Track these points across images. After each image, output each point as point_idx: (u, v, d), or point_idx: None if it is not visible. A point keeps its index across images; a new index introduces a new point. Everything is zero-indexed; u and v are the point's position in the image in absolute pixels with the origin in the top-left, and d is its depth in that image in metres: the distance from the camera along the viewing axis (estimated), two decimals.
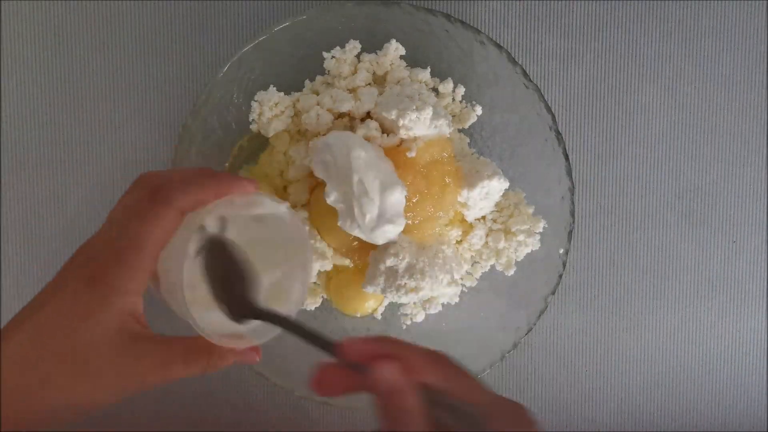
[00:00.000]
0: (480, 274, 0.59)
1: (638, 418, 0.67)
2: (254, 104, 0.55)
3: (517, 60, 0.55)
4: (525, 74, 0.55)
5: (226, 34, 0.62)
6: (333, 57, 0.56)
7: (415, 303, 0.59)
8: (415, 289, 0.54)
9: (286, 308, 0.44)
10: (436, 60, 0.58)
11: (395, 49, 0.56)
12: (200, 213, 0.40)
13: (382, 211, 0.51)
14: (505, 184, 0.55)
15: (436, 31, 0.56)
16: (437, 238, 0.56)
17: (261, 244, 0.44)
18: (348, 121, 0.57)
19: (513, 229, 0.57)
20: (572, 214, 0.56)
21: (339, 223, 0.52)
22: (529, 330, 0.57)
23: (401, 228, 0.53)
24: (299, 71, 0.57)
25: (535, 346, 0.65)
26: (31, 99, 0.63)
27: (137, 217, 0.40)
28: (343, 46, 0.56)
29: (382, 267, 0.54)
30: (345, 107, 0.55)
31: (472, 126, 0.59)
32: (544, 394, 0.66)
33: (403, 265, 0.54)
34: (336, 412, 0.64)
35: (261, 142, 0.58)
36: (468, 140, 0.59)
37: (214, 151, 0.57)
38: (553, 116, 0.55)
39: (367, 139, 0.55)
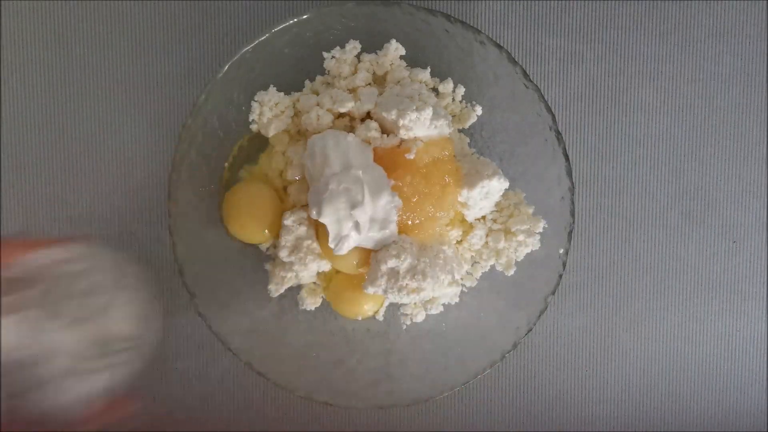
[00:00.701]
0: (480, 274, 0.59)
1: (638, 418, 0.67)
2: (254, 104, 0.55)
3: (517, 60, 0.55)
4: (525, 74, 0.55)
5: (226, 34, 0.62)
6: (333, 57, 0.56)
7: (415, 303, 0.59)
8: (417, 290, 0.54)
9: None
10: (436, 60, 0.58)
11: (395, 49, 0.56)
12: None
13: (374, 214, 0.52)
14: (505, 184, 0.55)
15: (436, 31, 0.56)
16: (438, 239, 0.56)
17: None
18: (348, 121, 0.57)
19: (513, 229, 0.57)
20: (572, 214, 0.56)
21: (330, 244, 0.53)
22: (529, 330, 0.57)
23: (392, 232, 0.53)
24: (299, 71, 0.57)
25: (535, 346, 0.65)
26: (31, 99, 0.63)
27: None
28: (343, 46, 0.56)
29: (383, 268, 0.54)
30: (345, 107, 0.55)
31: (472, 126, 0.59)
32: (544, 394, 0.66)
33: (404, 266, 0.54)
34: (336, 411, 0.65)
35: (261, 142, 0.58)
36: (468, 140, 0.59)
37: (214, 151, 0.57)
38: (553, 116, 0.55)
39: (367, 140, 0.55)
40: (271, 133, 0.56)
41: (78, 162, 0.63)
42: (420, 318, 0.59)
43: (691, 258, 0.65)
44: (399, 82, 0.57)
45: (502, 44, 0.56)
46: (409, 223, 0.54)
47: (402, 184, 0.54)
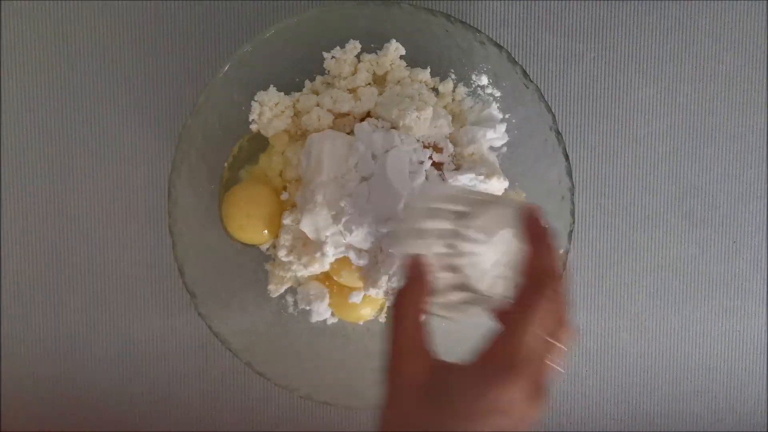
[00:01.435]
0: None
1: (638, 418, 0.67)
2: (254, 104, 0.55)
3: (516, 60, 0.55)
4: (525, 74, 0.55)
5: (226, 34, 0.62)
6: (333, 57, 0.56)
7: None
8: None
9: None
10: (436, 60, 0.58)
11: (395, 49, 0.56)
12: None
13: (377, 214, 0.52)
14: (505, 184, 0.55)
15: (436, 31, 0.56)
16: None
17: None
18: (348, 121, 0.57)
19: None
20: (572, 214, 0.56)
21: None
22: None
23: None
24: (299, 71, 0.57)
25: None
26: (30, 99, 0.63)
27: None
28: (343, 46, 0.56)
29: (383, 269, 0.53)
30: (345, 108, 0.55)
31: None
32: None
33: None
34: (336, 411, 0.64)
35: (261, 142, 0.58)
36: None
37: (214, 151, 0.57)
38: (553, 116, 0.55)
39: None
40: (271, 133, 0.56)
41: (78, 162, 0.63)
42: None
43: (692, 258, 0.65)
44: (399, 82, 0.57)
45: (502, 44, 0.56)
46: None
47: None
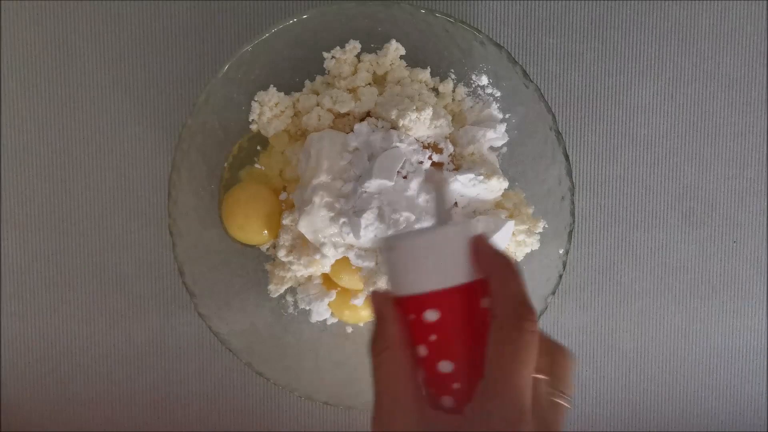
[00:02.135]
0: None
1: (638, 418, 0.67)
2: (254, 104, 0.55)
3: (516, 60, 0.55)
4: (525, 74, 0.55)
5: (226, 34, 0.62)
6: (333, 57, 0.56)
7: None
8: None
9: None
10: (436, 60, 0.58)
11: (395, 49, 0.56)
12: None
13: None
14: (505, 184, 0.55)
15: (436, 31, 0.56)
16: None
17: None
18: (348, 121, 0.57)
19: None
20: (572, 214, 0.56)
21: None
22: None
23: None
24: (299, 71, 0.57)
25: None
26: (30, 99, 0.63)
27: None
28: (343, 46, 0.56)
29: (383, 269, 0.53)
30: (345, 108, 0.55)
31: None
32: None
33: None
34: (336, 411, 0.64)
35: (261, 142, 0.58)
36: None
37: (214, 151, 0.57)
38: (554, 116, 0.55)
39: None
40: (271, 133, 0.56)
41: (77, 162, 0.63)
42: None
43: (692, 258, 0.65)
44: (399, 82, 0.57)
45: (502, 44, 0.56)
46: None
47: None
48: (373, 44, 0.57)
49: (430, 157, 0.53)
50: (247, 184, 0.57)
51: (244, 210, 0.56)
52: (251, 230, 0.56)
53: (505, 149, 0.58)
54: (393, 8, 0.55)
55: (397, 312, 0.35)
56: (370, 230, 0.52)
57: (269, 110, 0.55)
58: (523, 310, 0.33)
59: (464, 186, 0.54)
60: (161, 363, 0.65)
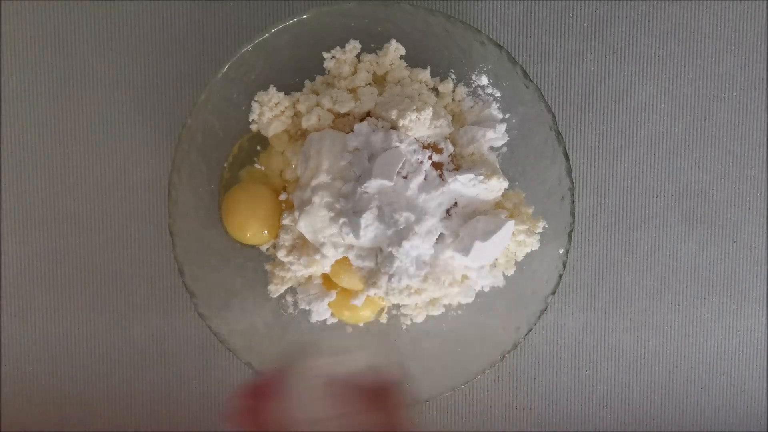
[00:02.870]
0: None
1: (638, 418, 0.67)
2: (254, 104, 0.55)
3: (516, 60, 0.55)
4: (525, 74, 0.55)
5: (226, 34, 0.62)
6: (333, 57, 0.56)
7: (417, 304, 0.59)
8: (419, 291, 0.54)
9: None
10: (436, 60, 0.58)
11: (395, 49, 0.56)
12: None
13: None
14: (504, 184, 0.55)
15: (436, 31, 0.56)
16: None
17: None
18: (348, 121, 0.57)
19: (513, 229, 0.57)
20: (572, 214, 0.56)
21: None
22: (529, 330, 0.57)
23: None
24: (299, 71, 0.57)
25: (535, 346, 0.65)
26: (30, 99, 0.63)
27: None
28: (343, 46, 0.56)
29: (383, 269, 0.53)
30: (345, 108, 0.55)
31: None
32: (544, 394, 0.66)
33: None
34: None
35: (261, 142, 0.58)
36: None
37: (214, 151, 0.57)
38: (554, 116, 0.55)
39: None
40: (271, 133, 0.56)
41: (78, 162, 0.63)
42: (420, 319, 0.59)
43: (692, 258, 0.65)
44: (399, 82, 0.57)
45: (502, 44, 0.56)
46: None
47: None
48: (373, 44, 0.57)
49: (430, 157, 0.54)
50: (247, 184, 0.57)
51: (244, 210, 0.56)
52: (251, 230, 0.56)
53: (505, 149, 0.58)
54: (393, 8, 0.55)
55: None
56: (370, 230, 0.52)
57: (269, 110, 0.55)
58: None
59: (464, 186, 0.54)
60: (161, 362, 0.65)
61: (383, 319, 0.60)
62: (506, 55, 0.55)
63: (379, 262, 0.54)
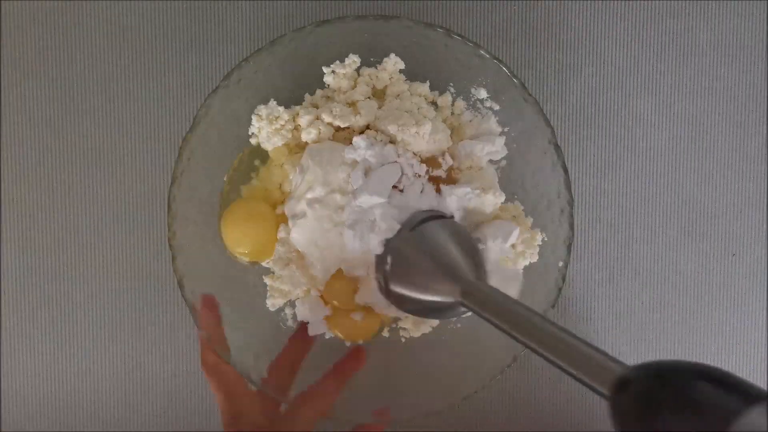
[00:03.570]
0: None
1: None
2: (254, 118, 0.55)
3: (515, 74, 0.55)
4: (524, 88, 0.55)
5: (227, 47, 0.63)
6: (333, 71, 0.56)
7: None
8: None
9: None
10: (435, 74, 0.58)
11: (394, 63, 0.56)
12: None
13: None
14: (501, 198, 0.55)
15: (435, 45, 0.56)
16: None
17: None
18: (348, 135, 0.57)
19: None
20: (571, 227, 0.56)
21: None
22: None
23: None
24: (299, 85, 0.58)
25: (534, 359, 0.65)
26: (30, 114, 0.63)
27: None
28: (342, 60, 0.56)
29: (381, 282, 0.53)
30: (345, 122, 0.55)
31: None
32: (544, 408, 0.65)
33: None
34: (337, 424, 0.64)
35: (261, 156, 0.58)
36: None
37: (213, 164, 0.57)
38: (552, 130, 0.55)
39: None
40: (270, 146, 0.56)
41: (77, 175, 0.63)
42: (418, 333, 0.59)
43: (691, 271, 0.65)
44: (399, 95, 0.57)
45: (501, 58, 0.56)
46: None
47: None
48: (372, 58, 0.57)
49: (428, 172, 0.54)
50: (244, 201, 0.57)
51: (243, 228, 0.56)
52: (249, 248, 0.56)
53: (504, 162, 0.58)
54: (392, 22, 0.55)
55: None
56: (364, 243, 0.52)
57: (269, 124, 0.56)
58: None
59: (460, 199, 0.54)
60: (160, 375, 0.64)
61: (385, 333, 0.60)
62: (505, 68, 0.55)
63: (370, 272, 0.54)
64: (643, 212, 0.65)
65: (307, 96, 0.58)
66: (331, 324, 0.58)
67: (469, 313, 0.56)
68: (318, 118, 0.56)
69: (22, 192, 0.63)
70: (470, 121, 0.58)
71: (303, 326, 0.57)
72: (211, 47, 0.63)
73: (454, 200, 0.54)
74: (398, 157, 0.53)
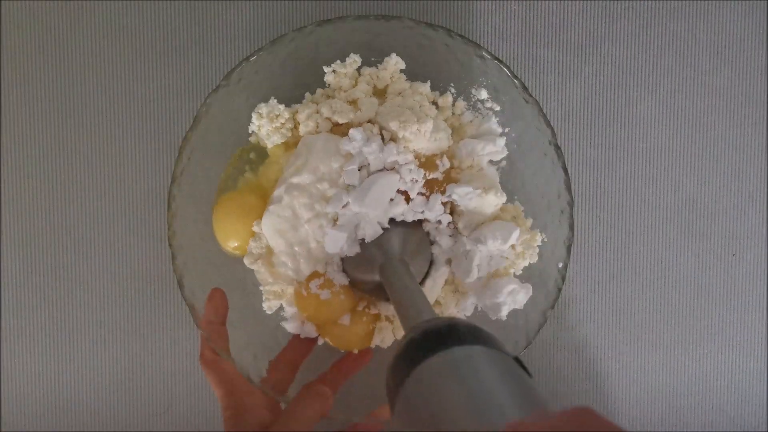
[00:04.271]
0: None
1: (639, 430, 0.66)
2: (254, 116, 0.55)
3: (516, 74, 0.55)
4: (524, 88, 0.55)
5: (226, 46, 0.63)
6: (333, 71, 0.56)
7: None
8: None
9: None
10: (436, 74, 0.58)
11: (395, 63, 0.56)
12: None
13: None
14: (502, 199, 0.55)
15: (436, 46, 0.56)
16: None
17: None
18: (346, 130, 0.57)
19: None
20: (571, 228, 0.56)
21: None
22: (528, 344, 0.57)
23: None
24: (299, 85, 0.57)
25: (534, 360, 0.65)
26: (30, 112, 0.63)
27: None
28: (343, 60, 0.56)
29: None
30: (344, 118, 0.55)
31: None
32: None
33: None
34: (336, 424, 0.64)
35: (260, 154, 0.58)
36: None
37: (213, 163, 0.57)
38: (553, 130, 0.55)
39: None
40: (270, 144, 0.56)
41: (77, 174, 0.63)
42: None
43: (691, 271, 0.65)
44: (400, 93, 0.57)
45: (501, 58, 0.56)
46: None
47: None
48: (373, 58, 0.57)
49: (425, 176, 0.54)
50: (235, 194, 0.56)
51: (232, 221, 0.55)
52: (240, 242, 0.55)
53: (504, 163, 0.58)
54: (393, 22, 0.55)
55: None
56: (344, 244, 0.52)
57: (269, 122, 0.55)
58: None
59: (461, 199, 0.54)
60: (160, 375, 0.64)
61: (378, 341, 0.59)
62: (506, 69, 0.55)
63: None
64: (643, 212, 0.65)
65: (307, 94, 0.58)
66: (321, 332, 0.58)
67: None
68: (317, 111, 0.55)
69: (22, 192, 0.63)
70: (471, 121, 0.58)
71: None
72: (211, 47, 0.62)
73: (456, 199, 0.54)
74: (398, 155, 0.52)
